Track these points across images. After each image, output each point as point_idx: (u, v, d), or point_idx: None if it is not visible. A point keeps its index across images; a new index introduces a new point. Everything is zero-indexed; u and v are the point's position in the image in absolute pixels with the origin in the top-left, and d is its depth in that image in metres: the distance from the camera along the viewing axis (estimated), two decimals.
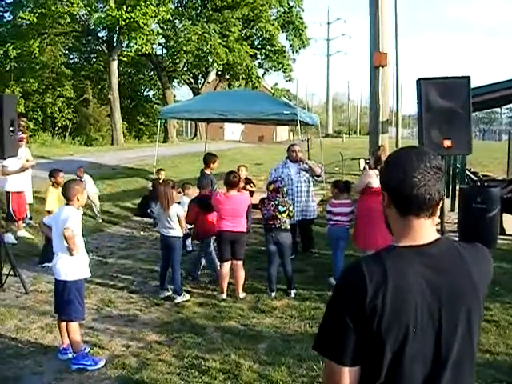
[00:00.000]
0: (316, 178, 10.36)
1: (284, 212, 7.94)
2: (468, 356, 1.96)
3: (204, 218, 8.60)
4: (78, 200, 5.73)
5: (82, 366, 5.54)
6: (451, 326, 1.90)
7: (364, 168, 10.12)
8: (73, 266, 5.65)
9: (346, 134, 76.07)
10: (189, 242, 10.28)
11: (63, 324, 5.75)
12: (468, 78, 7.23)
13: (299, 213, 9.80)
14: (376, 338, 1.84)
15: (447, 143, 7.09)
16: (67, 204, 5.74)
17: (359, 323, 1.84)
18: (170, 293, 8.00)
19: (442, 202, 2.02)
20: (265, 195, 8.49)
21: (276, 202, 7.97)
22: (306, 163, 10.09)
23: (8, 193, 10.43)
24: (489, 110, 63.02)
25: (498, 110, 79.79)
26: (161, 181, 13.48)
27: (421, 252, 1.93)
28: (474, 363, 2.00)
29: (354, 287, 1.88)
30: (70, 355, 5.73)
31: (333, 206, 8.64)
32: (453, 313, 1.90)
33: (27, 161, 11.57)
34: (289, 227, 8.13)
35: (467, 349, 1.94)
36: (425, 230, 1.98)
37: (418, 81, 7.25)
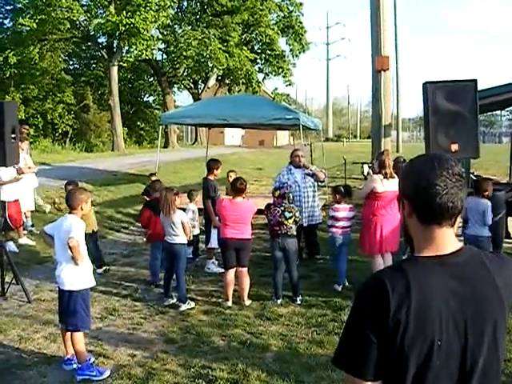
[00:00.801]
0: (320, 183, 10.30)
1: (290, 218, 7.87)
2: (494, 368, 1.89)
3: (156, 221, 8.62)
4: (81, 209, 5.65)
5: (87, 377, 5.46)
6: (477, 338, 1.83)
7: (368, 173, 10.05)
8: (78, 275, 5.57)
9: (346, 137, 76.18)
10: (190, 249, 10.16)
11: (67, 334, 5.66)
12: (475, 81, 7.17)
13: (306, 218, 9.78)
14: (399, 353, 1.78)
15: (454, 147, 7.03)
16: (70, 213, 5.66)
17: (382, 338, 1.78)
18: (174, 300, 7.93)
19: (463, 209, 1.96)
20: (265, 200, 8.44)
21: (282, 208, 7.89)
22: (310, 169, 10.02)
23: (3, 202, 10.28)
24: (488, 113, 62.99)
25: (497, 112, 79.72)
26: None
27: (444, 262, 1.87)
28: (499, 375, 1.93)
29: (375, 300, 1.81)
30: (74, 366, 5.65)
31: (336, 210, 8.61)
32: (478, 324, 1.84)
33: (29, 168, 11.52)
34: (295, 233, 8.06)
35: (493, 361, 1.87)
36: (447, 240, 1.92)
37: (425, 84, 7.19)
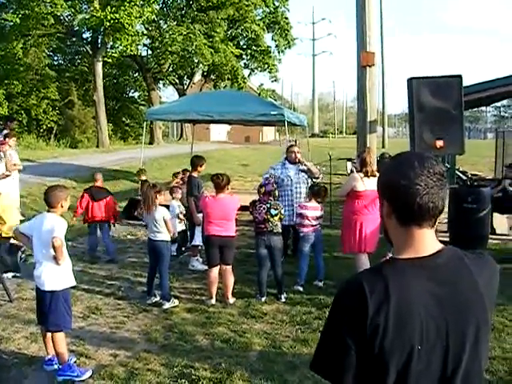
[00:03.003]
0: (314, 179, 10.24)
1: (276, 215, 7.83)
2: (476, 370, 1.84)
3: (93, 205, 10.13)
4: (61, 207, 5.54)
5: (68, 378, 5.37)
6: (459, 341, 1.78)
7: (351, 170, 10.01)
8: (59, 274, 5.47)
9: (332, 133, 76.29)
10: (174, 247, 10.06)
11: (48, 334, 5.57)
12: (460, 77, 7.16)
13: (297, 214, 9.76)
14: (378, 358, 1.72)
15: (439, 143, 7.02)
16: (48, 211, 5.55)
17: (360, 344, 1.73)
18: (157, 298, 7.86)
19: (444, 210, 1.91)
20: (250, 197, 8.39)
21: (268, 205, 7.84)
22: (305, 164, 9.99)
23: None
24: (474, 109, 63.36)
25: (483, 108, 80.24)
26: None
27: (424, 264, 1.82)
28: (482, 377, 1.89)
29: (353, 305, 1.76)
30: (55, 366, 5.56)
31: (303, 208, 8.60)
32: (460, 327, 1.79)
33: (14, 165, 11.41)
34: (280, 230, 8.02)
35: (475, 363, 1.83)
36: (427, 241, 1.87)
37: (410, 80, 7.17)
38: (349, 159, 25.74)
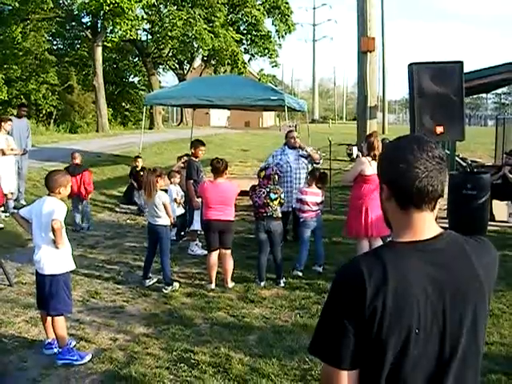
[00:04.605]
0: (315, 164, 10.21)
1: (276, 199, 7.83)
2: (473, 354, 1.85)
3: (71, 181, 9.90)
4: (59, 193, 5.54)
5: (67, 361, 5.39)
6: (456, 325, 1.79)
7: (357, 155, 9.99)
8: (59, 258, 5.47)
9: (332, 119, 76.21)
10: (173, 232, 10.08)
11: (48, 318, 5.59)
12: (461, 63, 7.13)
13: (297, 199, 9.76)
14: (376, 341, 1.73)
15: (439, 129, 7.01)
16: (48, 195, 5.55)
17: (358, 326, 1.74)
18: (155, 280, 7.90)
19: (443, 194, 1.91)
20: (250, 182, 8.38)
21: (267, 190, 7.84)
22: (306, 150, 9.97)
23: None
24: (474, 96, 63.24)
25: (483, 95, 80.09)
26: (138, 168, 13.37)
27: (423, 248, 1.82)
28: (479, 361, 1.90)
29: (352, 288, 1.76)
30: (55, 350, 5.57)
31: (304, 193, 8.58)
32: (458, 311, 1.80)
33: (11, 150, 11.39)
34: (280, 215, 8.02)
35: (472, 347, 1.84)
36: (427, 224, 1.87)
37: (410, 65, 7.14)
38: (348, 144, 25.76)
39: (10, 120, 12.02)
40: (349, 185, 8.75)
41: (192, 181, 9.45)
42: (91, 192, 12.06)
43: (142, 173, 12.99)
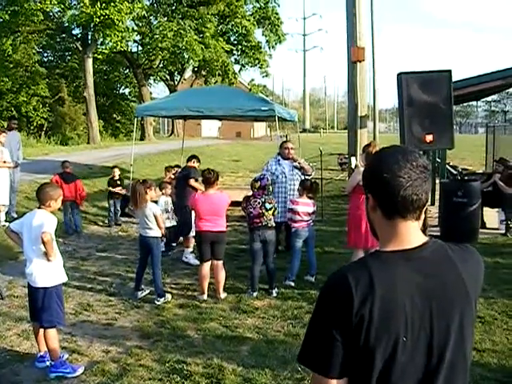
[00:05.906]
0: (307, 176, 10.24)
1: (270, 209, 7.86)
2: (461, 361, 1.87)
3: (64, 188, 10.53)
4: (50, 206, 5.54)
5: (60, 374, 5.39)
6: (443, 332, 1.81)
7: (356, 166, 10.02)
8: (51, 271, 5.47)
9: (323, 129, 76.37)
10: (162, 243, 10.03)
11: (41, 331, 5.58)
12: (449, 71, 7.18)
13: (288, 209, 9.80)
14: (364, 350, 1.75)
15: (429, 138, 7.04)
16: (39, 207, 5.56)
17: (346, 335, 1.75)
18: (147, 292, 7.89)
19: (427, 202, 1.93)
20: (242, 192, 8.40)
21: (263, 200, 7.87)
22: (299, 162, 10.00)
23: None
24: (465, 104, 63.50)
25: (474, 103, 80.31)
26: (115, 178, 13.28)
27: (409, 256, 1.84)
28: (468, 368, 1.91)
29: (339, 297, 1.78)
30: (47, 363, 5.56)
31: (295, 203, 8.61)
32: (444, 318, 1.82)
33: (4, 162, 11.38)
34: (274, 225, 8.05)
35: (460, 354, 1.85)
36: (412, 233, 1.89)
37: (399, 75, 7.19)
38: (339, 154, 25.83)
39: (5, 132, 12.02)
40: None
41: (193, 179, 9.76)
42: (84, 197, 12.66)
43: (119, 182, 13.24)
